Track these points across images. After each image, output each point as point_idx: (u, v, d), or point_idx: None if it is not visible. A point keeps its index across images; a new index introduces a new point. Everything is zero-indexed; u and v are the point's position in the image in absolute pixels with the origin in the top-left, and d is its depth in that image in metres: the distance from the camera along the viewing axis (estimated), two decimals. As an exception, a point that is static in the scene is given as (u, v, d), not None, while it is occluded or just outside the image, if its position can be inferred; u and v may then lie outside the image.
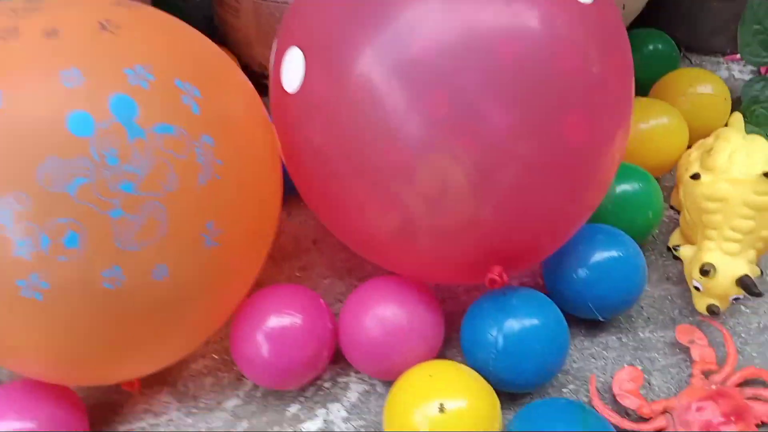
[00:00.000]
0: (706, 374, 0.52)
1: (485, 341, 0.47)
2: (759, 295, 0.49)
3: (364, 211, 0.43)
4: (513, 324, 0.47)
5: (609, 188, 0.49)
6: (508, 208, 0.41)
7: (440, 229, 0.42)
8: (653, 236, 0.63)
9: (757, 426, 0.48)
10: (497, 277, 0.44)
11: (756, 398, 0.50)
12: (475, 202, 0.41)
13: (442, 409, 0.41)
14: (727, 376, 0.51)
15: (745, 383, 0.51)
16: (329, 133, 0.41)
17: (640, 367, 0.53)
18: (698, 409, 0.48)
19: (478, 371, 0.48)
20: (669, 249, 0.60)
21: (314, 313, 0.48)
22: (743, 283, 0.50)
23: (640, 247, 0.62)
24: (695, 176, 0.51)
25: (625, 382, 0.51)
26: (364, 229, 0.45)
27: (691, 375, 0.51)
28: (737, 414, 0.47)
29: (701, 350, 0.52)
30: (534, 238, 0.44)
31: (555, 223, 0.44)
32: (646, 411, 0.49)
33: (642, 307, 0.58)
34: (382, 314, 0.47)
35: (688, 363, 0.53)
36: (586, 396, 0.51)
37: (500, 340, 0.46)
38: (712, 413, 0.47)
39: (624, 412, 0.50)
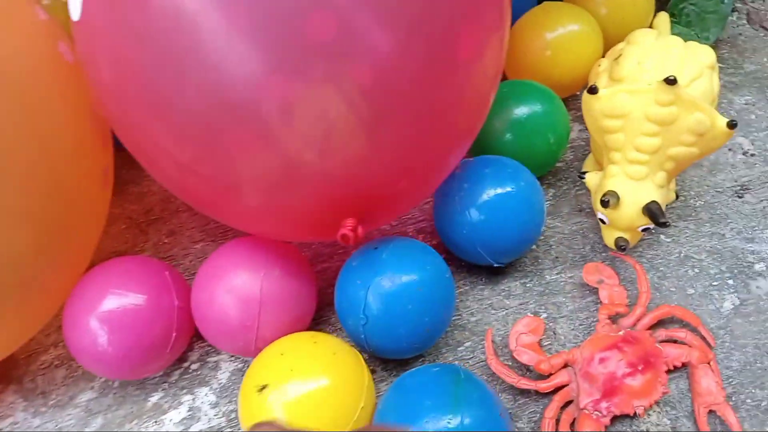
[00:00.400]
0: (614, 318, 0.46)
1: (355, 305, 0.41)
2: (665, 224, 0.42)
3: (181, 163, 0.35)
4: (383, 283, 0.40)
5: (485, 110, 0.41)
6: (353, 151, 0.34)
7: (272, 182, 0.35)
8: (566, 163, 0.56)
9: (668, 372, 0.43)
10: (350, 232, 0.37)
11: (670, 340, 0.45)
12: (313, 150, 0.33)
13: (261, 390, 0.36)
14: (638, 318, 0.45)
15: (660, 325, 0.46)
16: (116, 70, 0.33)
17: (543, 315, 0.48)
18: (601, 361, 0.42)
19: (352, 338, 0.42)
20: (581, 177, 0.53)
21: (158, 289, 0.42)
22: (649, 210, 0.43)
23: (552, 177, 0.55)
24: (592, 90, 0.43)
25: (522, 336, 0.45)
26: (185, 183, 0.37)
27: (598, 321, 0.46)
28: (645, 362, 0.42)
29: (610, 291, 0.47)
30: (391, 181, 0.37)
31: (415, 163, 0.37)
32: (544, 367, 0.43)
33: (550, 246, 0.52)
34: (233, 284, 0.40)
35: (598, 308, 0.47)
36: (483, 353, 0.46)
37: (370, 303, 0.40)
38: (616, 364, 0.42)
39: (525, 369, 0.45)
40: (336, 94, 0.31)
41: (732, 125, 0.41)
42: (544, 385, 0.43)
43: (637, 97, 0.42)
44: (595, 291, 0.49)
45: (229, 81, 0.30)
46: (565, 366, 0.44)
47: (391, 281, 0.40)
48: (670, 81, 0.40)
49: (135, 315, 0.40)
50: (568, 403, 0.43)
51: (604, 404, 0.41)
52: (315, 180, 0.35)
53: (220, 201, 0.37)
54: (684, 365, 0.44)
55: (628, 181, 0.44)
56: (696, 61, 0.46)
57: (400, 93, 0.33)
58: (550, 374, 0.43)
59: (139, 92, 0.33)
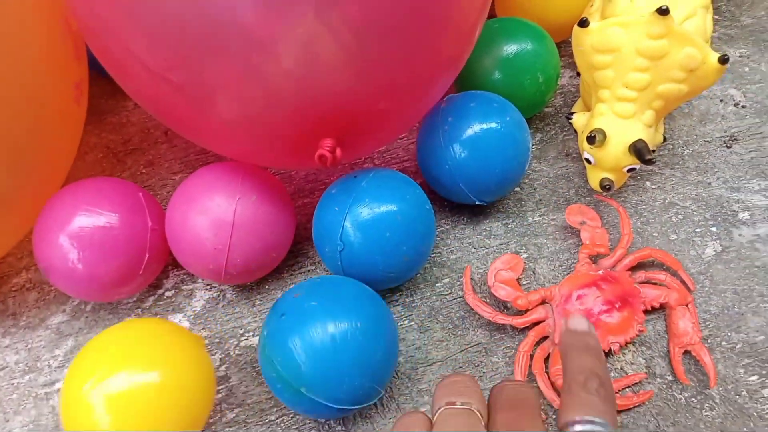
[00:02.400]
0: (594, 259, 0.46)
1: (332, 231, 0.40)
2: (651, 162, 0.42)
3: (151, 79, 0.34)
4: (361, 210, 0.39)
5: (471, 40, 0.40)
6: (332, 65, 0.33)
7: (248, 95, 0.33)
8: (555, 108, 0.55)
9: (646, 312, 0.43)
10: (327, 153, 0.36)
11: (649, 282, 0.44)
12: (291, 57, 0.32)
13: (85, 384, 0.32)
14: (618, 259, 0.45)
15: (640, 267, 0.46)
16: None
17: (524, 255, 0.47)
18: (579, 298, 0.42)
19: (329, 266, 0.42)
20: (568, 118, 0.52)
21: (131, 210, 0.41)
22: (636, 148, 0.42)
23: (540, 121, 0.55)
24: (583, 22, 0.42)
25: (501, 272, 0.45)
26: (157, 93, 0.36)
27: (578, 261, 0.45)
28: (623, 300, 0.42)
29: (592, 233, 0.46)
30: (370, 101, 0.36)
31: (394, 83, 0.36)
32: (521, 303, 0.43)
33: (534, 188, 0.51)
34: (206, 206, 0.39)
35: (579, 249, 0.47)
36: (461, 290, 0.46)
37: (347, 229, 0.39)
38: (593, 301, 0.42)
39: (502, 306, 0.45)
40: (319, 22, 0.30)
41: (724, 60, 0.40)
42: (520, 320, 0.42)
43: (628, 29, 0.41)
44: (576, 234, 0.48)
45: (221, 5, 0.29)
46: (543, 303, 0.43)
47: (370, 208, 0.39)
48: (663, 11, 0.39)
49: (106, 233, 0.40)
50: (544, 338, 0.43)
51: (579, 339, 0.41)
52: (292, 98, 0.34)
53: (193, 115, 0.36)
54: (662, 306, 0.44)
55: (616, 120, 0.44)
56: (690, 0, 0.45)
57: (383, 16, 0.32)
58: (527, 310, 0.43)
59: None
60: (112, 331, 0.35)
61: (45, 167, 0.42)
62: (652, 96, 0.42)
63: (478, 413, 0.26)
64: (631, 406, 0.40)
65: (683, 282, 0.44)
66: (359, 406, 0.36)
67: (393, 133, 0.43)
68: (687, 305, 0.43)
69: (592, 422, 0.25)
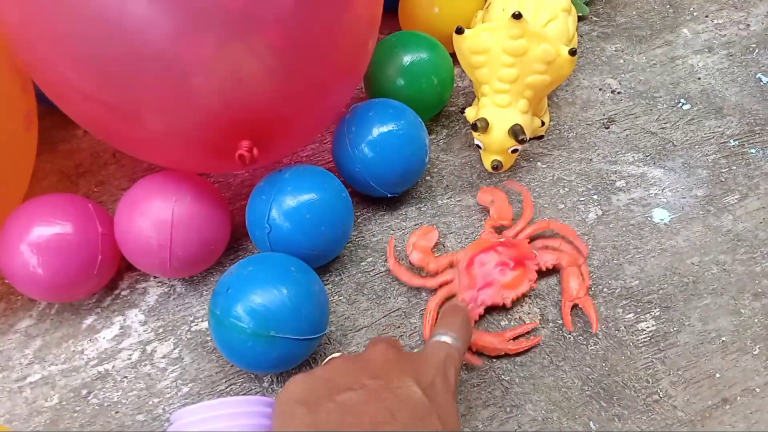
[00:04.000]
0: (498, 230, 0.53)
1: (260, 216, 0.47)
2: (524, 142, 0.50)
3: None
4: (284, 196, 0.46)
5: (364, 54, 0.48)
6: (240, 78, 0.40)
7: (171, 108, 0.40)
8: (458, 107, 0.64)
9: (539, 271, 0.50)
10: (246, 152, 0.43)
11: (546, 248, 0.52)
12: (202, 74, 0.39)
13: None
14: (520, 230, 0.52)
15: (541, 238, 0.52)
16: (22, 12, 0.38)
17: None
18: (480, 260, 0.50)
19: (260, 248, 0.48)
20: (461, 112, 0.60)
21: (82, 219, 0.47)
22: (513, 131, 0.51)
23: (445, 119, 0.63)
24: (459, 31, 0.50)
25: (418, 241, 0.52)
26: (91, 112, 0.42)
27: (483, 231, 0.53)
28: (518, 261, 0.49)
29: (499, 207, 0.53)
30: (275, 106, 0.43)
31: (296, 90, 0.43)
32: (432, 266, 0.50)
33: (443, 176, 0.59)
34: (148, 209, 0.46)
35: (483, 222, 0.55)
36: (384, 266, 0.53)
37: (273, 214, 0.46)
38: (492, 263, 0.49)
39: (417, 271, 0.52)
40: (224, 45, 0.38)
41: (573, 53, 0.49)
42: (431, 282, 0.50)
43: (494, 33, 0.49)
44: (480, 211, 0.56)
45: (139, 35, 0.36)
46: (451, 266, 0.51)
47: (292, 195, 0.46)
48: (516, 16, 0.47)
49: (62, 240, 0.45)
50: (452, 297, 0.50)
51: (479, 296, 0.48)
52: (210, 107, 0.41)
53: (126, 130, 0.42)
54: (555, 267, 0.51)
55: (496, 109, 0.52)
56: (551, 6, 0.54)
57: (283, 35, 0.39)
58: (437, 273, 0.50)
59: (46, 32, 0.38)
60: None
61: (1, 192, 0.47)
62: (522, 87, 0.51)
63: None
64: (525, 349, 0.47)
65: (577, 248, 0.52)
66: (320, 334, 0.44)
67: (304, 136, 0.50)
68: (579, 267, 0.50)
69: (448, 335, 0.37)
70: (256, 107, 0.42)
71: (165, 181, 0.47)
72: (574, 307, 0.49)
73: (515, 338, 0.48)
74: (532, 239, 0.52)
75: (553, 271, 0.51)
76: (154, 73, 0.38)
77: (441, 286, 0.50)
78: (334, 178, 0.50)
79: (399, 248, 0.54)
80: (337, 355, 0.41)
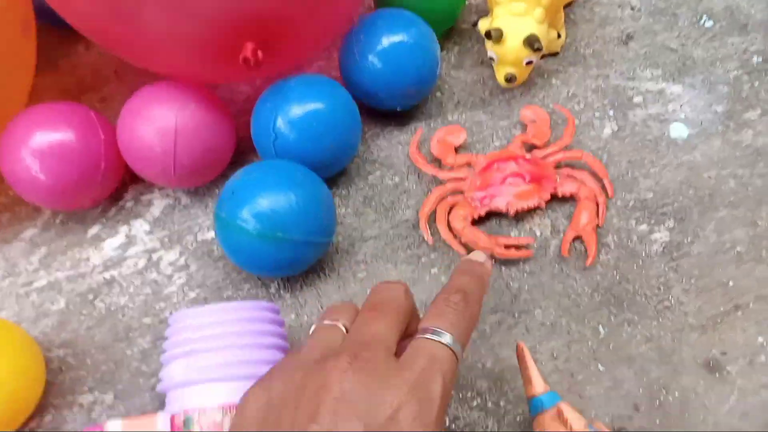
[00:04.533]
0: (528, 147, 0.51)
1: (266, 125, 0.46)
2: (539, 50, 0.48)
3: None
4: (290, 104, 0.45)
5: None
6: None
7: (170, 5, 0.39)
8: (469, 24, 0.61)
9: (554, 196, 0.48)
10: (250, 55, 0.41)
11: (570, 177, 0.49)
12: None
13: None
14: (550, 153, 0.50)
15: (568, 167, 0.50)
16: None
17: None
18: (498, 167, 0.48)
19: (265, 158, 0.47)
20: (474, 26, 0.58)
21: (83, 126, 0.46)
22: (528, 40, 0.49)
23: (457, 36, 0.61)
24: (472, -69, 0.48)
25: (445, 134, 0.51)
26: (95, 20, 0.41)
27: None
28: (535, 178, 0.48)
29: (538, 127, 0.51)
30: (282, 4, 0.41)
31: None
32: (449, 160, 0.49)
33: (453, 93, 0.57)
34: (151, 115, 0.45)
35: (496, 139, 0.53)
36: (392, 180, 0.52)
37: (279, 123, 0.45)
38: (509, 170, 0.48)
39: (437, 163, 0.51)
40: None
41: (592, -48, 0.46)
42: (444, 174, 0.49)
43: (511, -66, 0.47)
44: (492, 127, 0.54)
45: None
46: (468, 166, 0.50)
47: (298, 103, 0.45)
48: None
49: (64, 146, 0.45)
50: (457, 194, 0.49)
51: (485, 197, 0.47)
52: (214, 8, 0.39)
53: (131, 36, 0.41)
54: (572, 196, 0.49)
55: (512, 18, 0.50)
56: None
57: None
58: (453, 168, 0.50)
59: None
60: None
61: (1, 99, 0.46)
62: (539, -7, 0.48)
63: (342, 327, 0.31)
64: (511, 257, 0.46)
65: (603, 187, 0.49)
66: (327, 239, 0.44)
67: (311, 42, 0.48)
68: (597, 204, 0.48)
69: (439, 333, 0.29)
70: (261, 6, 0.40)
71: (168, 89, 0.46)
72: (577, 238, 0.48)
73: (507, 247, 0.46)
74: (558, 167, 0.50)
75: (571, 199, 0.50)
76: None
77: (451, 180, 0.49)
78: (341, 87, 0.48)
79: (408, 163, 0.52)
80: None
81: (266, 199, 0.41)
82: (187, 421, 0.34)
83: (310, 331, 0.32)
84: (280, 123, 0.45)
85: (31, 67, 0.49)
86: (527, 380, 0.37)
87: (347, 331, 0.31)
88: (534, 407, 0.36)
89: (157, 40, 0.41)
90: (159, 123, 0.45)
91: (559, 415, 0.35)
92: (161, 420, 0.34)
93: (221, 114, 0.48)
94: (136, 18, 0.39)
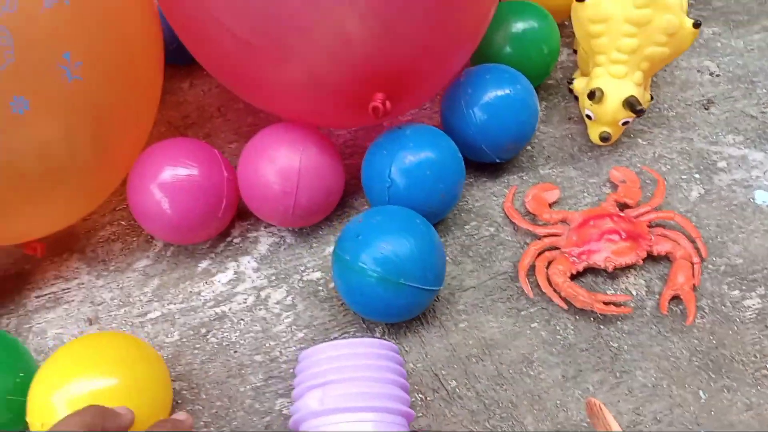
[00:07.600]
0: (621, 206, 0.53)
1: (381, 171, 0.48)
2: (642, 113, 0.50)
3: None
4: (406, 153, 0.47)
5: (486, 19, 0.49)
6: (388, 30, 0.41)
7: (319, 56, 0.41)
8: (557, 81, 0.64)
9: (650, 254, 0.49)
10: (380, 104, 0.44)
11: (664, 236, 0.50)
12: (355, 23, 0.40)
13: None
14: (644, 213, 0.52)
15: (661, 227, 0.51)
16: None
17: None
18: (594, 224, 0.50)
19: (375, 204, 0.49)
20: (569, 88, 0.61)
21: (209, 163, 0.48)
22: (629, 103, 0.51)
23: (544, 92, 0.63)
24: None
25: (539, 191, 0.54)
26: (238, 58, 0.43)
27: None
28: (630, 235, 0.49)
29: (628, 187, 0.54)
30: (413, 61, 0.44)
31: (432, 47, 0.44)
32: (546, 216, 0.51)
33: (543, 147, 0.59)
34: (275, 155, 0.47)
35: (586, 196, 0.55)
36: (488, 231, 0.53)
37: (393, 170, 0.47)
38: (605, 227, 0.49)
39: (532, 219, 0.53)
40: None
41: (696, 25, 0.49)
42: (540, 229, 0.51)
43: (617, 1, 0.49)
44: (582, 183, 0.56)
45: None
46: (563, 222, 0.51)
47: (412, 152, 0.47)
48: (647, -15, 0.47)
49: (191, 182, 0.47)
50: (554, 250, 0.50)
51: (580, 251, 0.49)
52: (351, 59, 0.42)
53: (268, 76, 0.44)
54: (667, 255, 0.50)
55: (611, 80, 0.52)
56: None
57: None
58: (548, 224, 0.52)
59: None
60: (74, 344, 0.40)
61: (128, 138, 0.49)
62: (641, 58, 0.51)
63: None
64: (611, 313, 0.47)
65: (697, 248, 0.50)
66: (439, 287, 0.46)
67: (427, 93, 0.51)
68: (693, 265, 0.49)
69: None
70: (398, 59, 0.42)
71: (290, 131, 0.48)
72: (675, 298, 0.49)
73: (606, 303, 0.47)
74: (650, 226, 0.52)
75: (665, 258, 0.51)
76: (310, 19, 0.39)
77: (548, 236, 0.51)
78: (448, 138, 0.50)
79: (501, 215, 0.54)
80: None
81: (390, 245, 0.43)
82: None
83: None
84: (394, 171, 0.47)
85: (157, 101, 0.52)
86: None
87: None
88: None
89: (293, 83, 0.44)
90: (283, 163, 0.47)
91: None
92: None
93: (336, 157, 0.50)
94: (281, 60, 0.42)
